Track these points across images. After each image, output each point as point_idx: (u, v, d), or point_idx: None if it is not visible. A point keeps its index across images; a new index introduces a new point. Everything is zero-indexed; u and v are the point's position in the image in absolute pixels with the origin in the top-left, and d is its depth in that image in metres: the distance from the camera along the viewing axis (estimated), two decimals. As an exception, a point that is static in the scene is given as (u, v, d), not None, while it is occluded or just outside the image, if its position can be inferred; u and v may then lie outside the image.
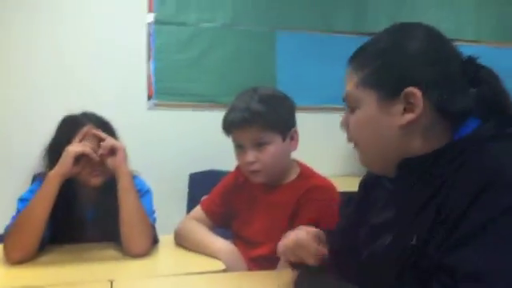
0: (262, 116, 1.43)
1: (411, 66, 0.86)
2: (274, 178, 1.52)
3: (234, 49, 3.40)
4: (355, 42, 0.94)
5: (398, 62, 0.87)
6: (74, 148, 1.50)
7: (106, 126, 1.64)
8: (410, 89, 0.84)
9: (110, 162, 1.55)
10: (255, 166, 1.47)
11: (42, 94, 3.08)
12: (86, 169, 1.55)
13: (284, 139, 1.49)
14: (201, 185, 2.95)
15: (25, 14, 3.06)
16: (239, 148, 1.50)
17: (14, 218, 1.53)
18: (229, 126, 1.49)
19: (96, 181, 1.58)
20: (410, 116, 0.85)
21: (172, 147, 3.26)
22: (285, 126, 1.50)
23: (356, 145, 0.96)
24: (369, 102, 0.89)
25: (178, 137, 3.28)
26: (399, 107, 0.86)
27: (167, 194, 2.81)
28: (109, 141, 1.56)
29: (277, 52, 3.48)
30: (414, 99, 0.84)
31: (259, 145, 1.46)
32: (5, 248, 1.45)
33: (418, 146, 0.87)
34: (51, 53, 3.10)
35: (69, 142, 1.53)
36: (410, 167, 0.87)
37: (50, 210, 1.46)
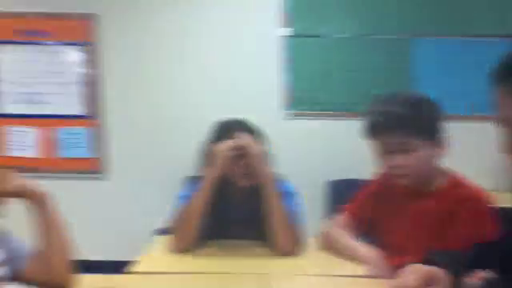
0: (407, 120, 1.41)
1: None
2: (420, 182, 1.49)
3: (367, 58, 3.39)
4: (498, 46, 0.89)
5: None
6: (226, 152, 1.62)
7: (255, 132, 1.75)
8: None
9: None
10: (402, 171, 1.45)
11: (185, 104, 3.38)
12: (238, 170, 1.67)
13: (432, 144, 1.45)
14: (338, 193, 2.99)
15: (170, 29, 3.39)
16: (384, 152, 1.48)
17: (174, 213, 1.70)
18: (373, 131, 1.48)
19: (245, 182, 1.69)
20: None
21: (309, 156, 3.35)
22: (431, 131, 1.46)
23: None
24: None
25: (315, 145, 3.37)
26: None
27: (305, 200, 2.90)
28: (241, 140, 1.64)
29: (411, 60, 3.39)
30: None
31: (405, 149, 1.43)
32: (172, 239, 1.64)
33: None
34: (194, 65, 3.38)
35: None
36: None
37: (206, 207, 1.62)
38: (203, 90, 3.39)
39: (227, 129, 1.73)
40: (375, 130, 1.47)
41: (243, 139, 1.65)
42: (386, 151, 1.47)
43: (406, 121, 1.41)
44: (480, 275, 1.00)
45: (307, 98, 3.41)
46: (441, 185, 1.50)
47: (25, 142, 3.41)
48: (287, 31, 3.38)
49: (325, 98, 3.40)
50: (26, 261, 1.17)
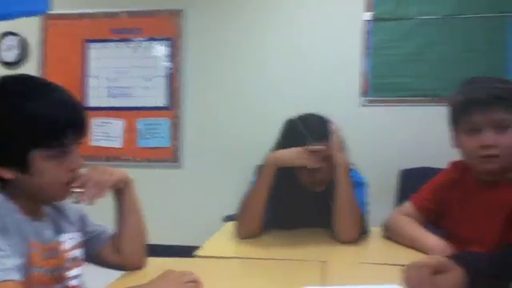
0: (508, 95, 1.36)
1: None
2: (505, 167, 1.41)
3: (457, 40, 3.23)
4: None
5: None
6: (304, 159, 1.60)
7: (325, 128, 1.69)
8: None
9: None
10: (493, 151, 1.37)
11: (260, 94, 3.47)
12: (310, 179, 1.67)
13: None
14: (410, 181, 2.90)
15: (251, 22, 3.49)
16: (473, 131, 1.40)
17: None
18: (471, 105, 1.39)
19: (319, 188, 1.69)
20: None
21: (384, 143, 3.29)
22: None
23: None
24: None
25: (391, 133, 3.29)
26: None
27: (376, 188, 2.84)
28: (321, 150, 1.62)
29: (508, 40, 3.15)
30: None
31: (500, 127, 1.36)
32: (235, 224, 1.71)
33: None
34: (274, 54, 3.46)
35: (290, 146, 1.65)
36: None
37: (267, 193, 1.64)
38: (281, 79, 3.44)
39: (296, 133, 1.69)
40: (472, 106, 1.39)
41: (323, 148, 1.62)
42: (476, 129, 1.40)
43: (506, 95, 1.36)
44: None
45: (387, 83, 3.32)
46: (515, 174, 1.42)
47: (109, 133, 3.70)
48: (368, 15, 3.30)
49: (406, 83, 3.29)
50: (101, 243, 1.29)
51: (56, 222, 1.15)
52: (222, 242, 1.68)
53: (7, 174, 1.01)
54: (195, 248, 1.55)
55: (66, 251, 1.13)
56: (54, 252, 1.08)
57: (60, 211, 1.18)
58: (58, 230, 1.14)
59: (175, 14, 3.59)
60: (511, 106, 1.36)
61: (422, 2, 3.25)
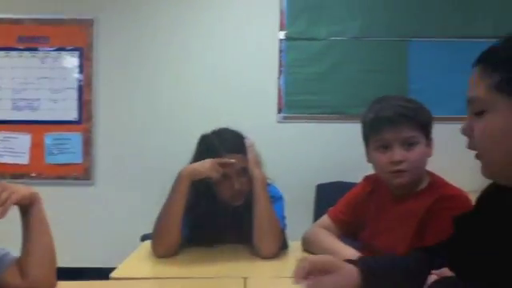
0: (414, 113, 1.45)
1: None
2: (414, 181, 1.50)
3: (364, 61, 3.40)
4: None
5: None
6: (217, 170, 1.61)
7: (239, 141, 1.72)
8: None
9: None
10: (402, 166, 1.46)
11: (176, 110, 3.41)
12: (227, 192, 1.68)
13: (427, 143, 1.49)
14: (327, 196, 3.00)
15: (165, 34, 3.43)
16: (383, 148, 1.49)
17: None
18: (380, 123, 1.47)
19: (237, 203, 1.70)
20: None
21: (300, 159, 3.36)
22: (429, 129, 1.50)
23: (479, 153, 0.89)
24: (502, 109, 0.82)
25: (307, 149, 3.37)
26: None
27: (294, 203, 2.92)
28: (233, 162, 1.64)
29: (409, 62, 3.39)
30: None
31: (408, 144, 1.46)
32: (151, 242, 1.65)
33: None
34: (188, 69, 3.42)
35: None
36: None
37: (183, 207, 1.61)
38: (197, 93, 3.40)
39: (211, 149, 1.70)
40: (382, 122, 1.47)
41: (236, 160, 1.64)
42: (385, 146, 1.48)
43: (412, 114, 1.46)
44: (440, 273, 1.01)
45: (300, 101, 3.41)
46: (422, 186, 1.52)
47: (14, 149, 3.43)
48: (281, 34, 3.40)
49: (318, 101, 3.40)
50: (4, 267, 1.18)
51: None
52: (138, 262, 1.61)
53: None
54: (111, 270, 1.48)
55: (-37, 279, 1.02)
56: None
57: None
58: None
59: (85, 23, 3.43)
60: (417, 123, 1.46)
61: (331, 24, 3.39)
